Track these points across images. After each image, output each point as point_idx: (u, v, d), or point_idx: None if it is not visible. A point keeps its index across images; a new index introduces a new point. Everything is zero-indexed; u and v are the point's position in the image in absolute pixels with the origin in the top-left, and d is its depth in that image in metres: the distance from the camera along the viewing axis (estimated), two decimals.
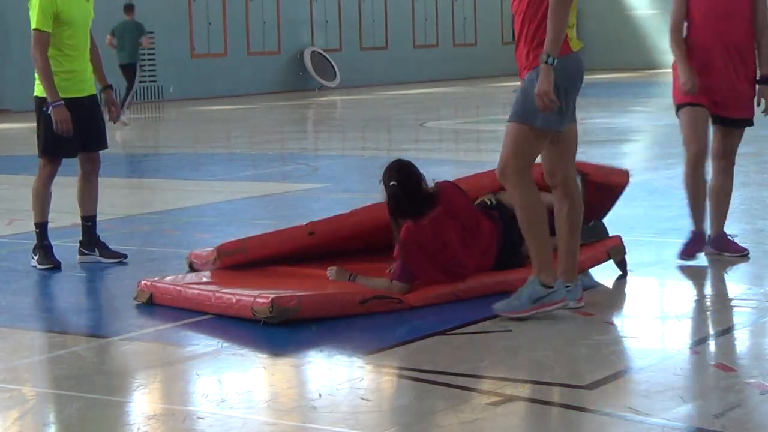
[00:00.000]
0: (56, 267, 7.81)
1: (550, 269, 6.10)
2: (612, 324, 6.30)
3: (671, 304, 6.64)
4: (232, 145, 17.47)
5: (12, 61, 27.37)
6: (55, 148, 7.84)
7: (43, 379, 5.53)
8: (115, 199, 11.04)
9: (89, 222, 8.07)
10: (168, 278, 6.92)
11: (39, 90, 7.84)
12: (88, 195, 8.06)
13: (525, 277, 6.78)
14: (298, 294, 6.22)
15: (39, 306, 6.87)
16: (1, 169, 14.79)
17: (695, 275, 7.19)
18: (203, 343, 6.11)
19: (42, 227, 7.98)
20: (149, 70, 27.65)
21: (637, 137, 17.30)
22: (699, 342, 5.79)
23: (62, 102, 7.66)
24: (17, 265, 8.14)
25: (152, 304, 6.70)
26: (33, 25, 7.74)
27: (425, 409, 4.80)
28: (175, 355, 5.95)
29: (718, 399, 4.88)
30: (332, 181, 12.39)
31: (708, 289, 6.90)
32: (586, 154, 14.63)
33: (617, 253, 7.11)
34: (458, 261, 6.55)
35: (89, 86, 7.94)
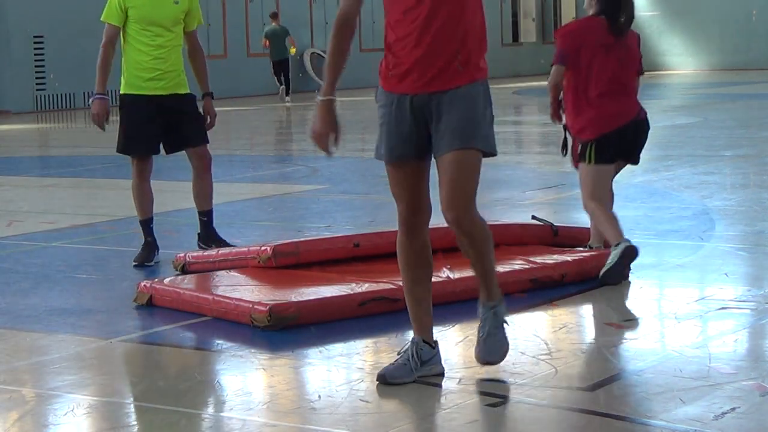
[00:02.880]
0: (142, 263, 7.88)
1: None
2: (611, 325, 6.30)
3: (671, 305, 6.64)
4: (231, 147, 17.46)
5: (12, 62, 27.37)
6: (126, 144, 7.96)
7: (43, 381, 5.53)
8: (116, 200, 11.04)
9: (204, 217, 8.19)
10: (167, 280, 6.93)
11: (122, 87, 7.96)
12: (198, 191, 8.15)
13: (520, 278, 6.80)
14: (296, 301, 6.22)
15: (39, 307, 6.87)
16: (0, 170, 14.78)
17: (695, 277, 7.19)
18: (202, 345, 6.11)
19: (143, 224, 8.06)
20: None
21: None
22: (698, 344, 5.79)
23: (104, 96, 7.83)
24: (17, 267, 8.15)
25: (152, 306, 6.71)
26: (105, 15, 7.95)
27: (425, 411, 4.80)
28: (174, 357, 5.95)
29: (718, 401, 4.88)
30: (331, 182, 12.39)
31: (707, 291, 6.90)
32: None
33: None
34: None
35: (174, 85, 7.96)
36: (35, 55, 27.69)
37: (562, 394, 4.98)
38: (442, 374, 5.16)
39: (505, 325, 5.27)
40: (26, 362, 5.87)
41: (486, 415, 4.72)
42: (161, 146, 8.07)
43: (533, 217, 7.85)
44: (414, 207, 5.08)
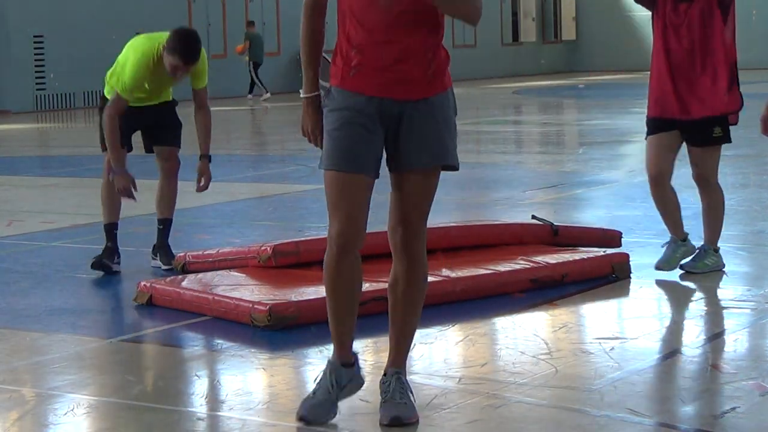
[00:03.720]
0: (101, 267, 7.67)
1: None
2: (611, 325, 6.30)
3: (671, 305, 6.64)
4: (231, 147, 17.46)
5: (12, 62, 27.35)
6: (101, 140, 7.67)
7: (43, 381, 5.53)
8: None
9: (161, 225, 7.81)
10: (167, 279, 6.93)
11: (107, 91, 7.71)
12: (161, 196, 7.82)
13: (521, 278, 6.80)
14: (296, 301, 6.22)
15: (39, 307, 6.87)
16: (0, 170, 14.78)
17: (695, 277, 7.19)
18: (202, 344, 6.11)
19: (106, 228, 7.76)
20: None
21: (637, 138, 17.27)
22: (698, 343, 5.78)
23: (123, 171, 7.45)
24: (17, 266, 8.14)
25: (152, 306, 6.70)
26: (118, 89, 7.47)
27: (425, 411, 4.79)
28: (174, 356, 5.95)
29: (718, 400, 4.88)
30: None
31: (707, 291, 6.90)
32: (587, 155, 14.66)
33: (622, 271, 7.10)
34: None
35: (155, 98, 7.74)
36: (35, 55, 27.67)
37: (562, 393, 4.98)
38: (361, 386, 4.81)
39: (410, 393, 4.70)
40: (26, 362, 5.86)
41: (486, 415, 4.71)
42: (146, 145, 7.89)
43: (533, 217, 7.84)
44: (355, 225, 4.60)
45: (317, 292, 6.45)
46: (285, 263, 6.97)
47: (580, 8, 43.47)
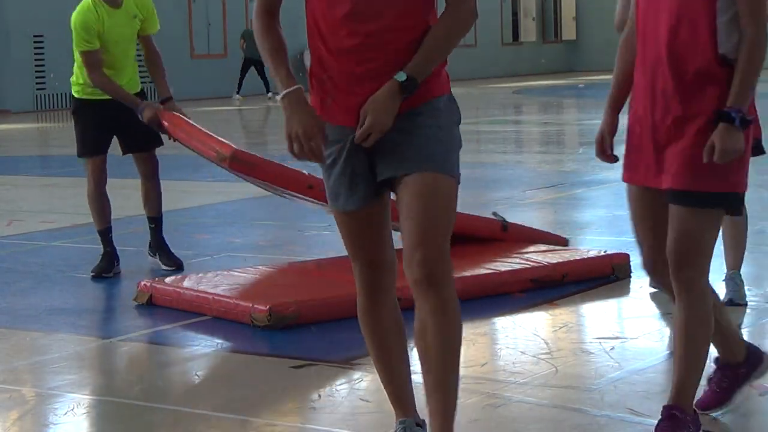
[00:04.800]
0: (100, 275, 7.61)
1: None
2: (611, 325, 6.30)
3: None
4: None
5: (12, 61, 27.37)
6: (78, 147, 7.71)
7: (43, 380, 5.53)
8: (115, 200, 11.02)
9: (152, 224, 7.85)
10: (167, 279, 6.93)
11: (74, 90, 7.73)
12: (144, 196, 7.83)
13: (521, 278, 6.80)
14: (296, 300, 6.22)
15: (39, 307, 6.87)
16: (0, 170, 14.79)
17: None
18: (203, 344, 6.11)
19: (101, 234, 7.74)
20: None
21: None
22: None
23: (143, 103, 7.47)
24: (17, 266, 8.15)
25: (152, 305, 6.70)
26: (79, 47, 7.50)
27: (425, 410, 4.79)
28: (174, 356, 5.95)
29: None
30: None
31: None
32: (587, 154, 14.66)
33: (622, 271, 7.10)
34: None
35: (122, 72, 7.65)
36: (35, 55, 27.69)
37: (563, 393, 4.98)
38: None
39: None
40: (26, 362, 5.87)
41: (486, 415, 4.71)
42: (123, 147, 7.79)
43: (493, 214, 7.82)
44: (378, 262, 3.95)
45: (317, 292, 6.46)
46: (239, 169, 6.87)
47: (580, 8, 43.50)
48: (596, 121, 19.61)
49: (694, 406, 4.26)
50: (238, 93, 28.70)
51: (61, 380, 5.43)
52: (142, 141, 7.69)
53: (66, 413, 4.92)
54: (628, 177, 4.29)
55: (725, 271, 6.48)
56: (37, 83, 27.76)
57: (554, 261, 7.03)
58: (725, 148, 3.97)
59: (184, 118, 7.35)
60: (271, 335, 6.02)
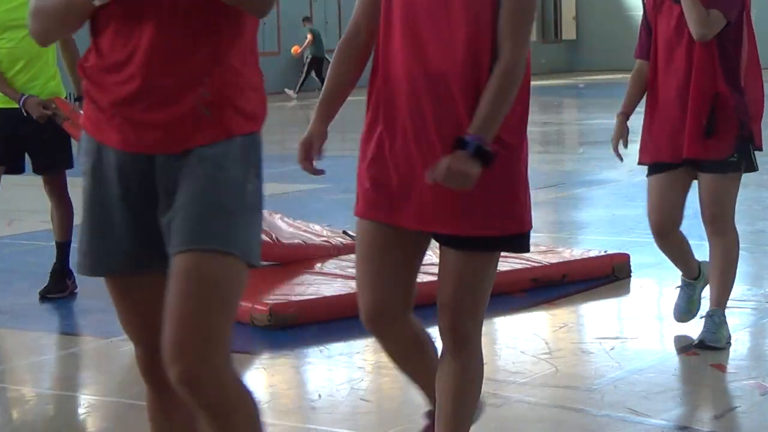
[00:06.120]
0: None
1: None
2: (611, 325, 6.30)
3: (670, 305, 6.64)
4: None
5: None
6: None
7: (44, 380, 5.53)
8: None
9: (57, 249, 7.05)
10: None
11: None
12: (53, 219, 7.07)
13: (521, 278, 6.80)
14: (296, 301, 6.22)
15: (39, 306, 6.87)
16: None
17: None
18: None
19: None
20: None
21: (637, 138, 17.29)
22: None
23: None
24: (17, 266, 8.15)
25: None
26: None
27: (425, 410, 4.79)
28: None
29: (718, 400, 4.88)
30: (332, 181, 12.37)
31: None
32: (587, 154, 14.66)
33: (622, 271, 7.11)
34: None
35: (34, 72, 7.32)
36: None
37: (563, 393, 4.98)
38: None
39: None
40: (26, 362, 5.87)
41: (486, 414, 4.71)
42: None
43: (344, 232, 7.63)
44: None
45: (317, 292, 6.46)
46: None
47: (580, 8, 43.49)
48: (596, 121, 19.67)
49: None
50: (297, 91, 29.11)
51: (61, 380, 5.43)
52: (51, 161, 6.95)
53: (66, 414, 4.92)
54: None
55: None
56: None
57: (554, 261, 7.04)
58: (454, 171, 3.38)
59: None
60: (270, 335, 6.02)
